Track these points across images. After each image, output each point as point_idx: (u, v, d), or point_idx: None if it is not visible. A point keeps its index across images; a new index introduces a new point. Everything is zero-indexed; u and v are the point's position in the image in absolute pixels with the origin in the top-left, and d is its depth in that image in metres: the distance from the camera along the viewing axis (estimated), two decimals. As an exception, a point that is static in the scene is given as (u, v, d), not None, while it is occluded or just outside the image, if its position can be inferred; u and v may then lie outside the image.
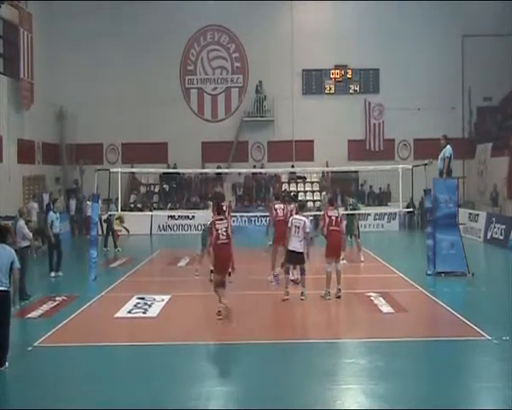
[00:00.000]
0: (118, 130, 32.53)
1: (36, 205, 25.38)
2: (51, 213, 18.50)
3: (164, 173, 31.87)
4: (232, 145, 33.00)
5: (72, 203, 30.50)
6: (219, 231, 12.69)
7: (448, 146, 17.74)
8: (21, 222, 15.85)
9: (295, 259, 14.44)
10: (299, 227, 14.20)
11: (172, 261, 20.87)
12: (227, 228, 12.83)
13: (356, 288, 16.13)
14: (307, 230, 14.29)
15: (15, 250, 10.59)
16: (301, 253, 14.30)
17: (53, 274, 18.02)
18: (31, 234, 15.98)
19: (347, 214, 19.80)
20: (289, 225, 14.37)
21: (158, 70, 32.61)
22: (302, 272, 14.61)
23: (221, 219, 12.97)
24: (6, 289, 9.75)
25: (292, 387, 9.16)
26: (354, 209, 21.16)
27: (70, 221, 29.56)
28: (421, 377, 9.66)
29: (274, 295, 15.04)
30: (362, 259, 20.07)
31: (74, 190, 31.93)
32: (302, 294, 14.41)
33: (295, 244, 14.21)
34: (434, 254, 17.43)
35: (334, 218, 14.86)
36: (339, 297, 14.66)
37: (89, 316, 13.56)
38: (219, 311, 12.71)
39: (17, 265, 9.97)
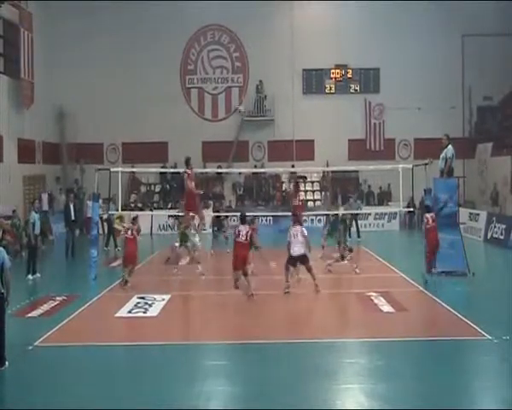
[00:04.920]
0: (118, 129, 32.50)
1: None
2: (33, 213, 18.21)
3: (162, 173, 31.81)
4: (232, 145, 32.99)
5: (70, 204, 30.05)
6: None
7: (450, 146, 17.71)
8: None
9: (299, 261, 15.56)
10: (296, 234, 15.29)
11: (173, 261, 20.82)
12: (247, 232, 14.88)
13: (356, 288, 16.14)
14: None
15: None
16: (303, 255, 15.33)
17: (30, 277, 17.54)
18: None
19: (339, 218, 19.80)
20: (288, 238, 15.44)
21: (158, 70, 32.58)
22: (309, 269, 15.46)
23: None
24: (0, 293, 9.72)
25: (292, 387, 9.16)
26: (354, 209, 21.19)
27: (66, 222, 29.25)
28: (422, 376, 9.65)
29: (274, 295, 15.04)
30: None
31: (73, 189, 31.87)
32: (316, 286, 15.29)
33: (296, 249, 15.26)
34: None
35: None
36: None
37: (89, 316, 13.57)
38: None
39: (8, 264, 9.86)
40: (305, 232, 15.37)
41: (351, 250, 18.69)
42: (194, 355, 10.69)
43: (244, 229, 14.94)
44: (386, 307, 13.74)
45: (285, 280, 15.34)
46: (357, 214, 26.40)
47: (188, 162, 17.56)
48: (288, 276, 15.52)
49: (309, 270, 15.40)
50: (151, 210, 30.82)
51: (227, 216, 23.46)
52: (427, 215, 16.65)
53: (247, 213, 16.50)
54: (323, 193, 32.28)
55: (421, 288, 15.74)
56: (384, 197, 31.99)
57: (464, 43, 32.80)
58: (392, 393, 8.85)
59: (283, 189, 33.00)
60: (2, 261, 9.78)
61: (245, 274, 14.88)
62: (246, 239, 14.81)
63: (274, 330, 12.40)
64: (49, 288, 16.52)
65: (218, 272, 18.89)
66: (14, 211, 22.81)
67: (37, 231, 18.13)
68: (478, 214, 26.76)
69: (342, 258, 18.20)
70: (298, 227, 15.55)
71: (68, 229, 22.17)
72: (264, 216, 28.96)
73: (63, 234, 22.87)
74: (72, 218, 22.18)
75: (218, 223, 22.30)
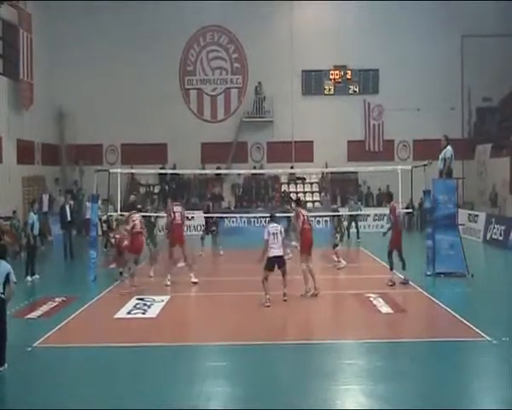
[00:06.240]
0: (117, 130, 32.49)
1: None
2: (31, 213, 18.10)
3: (161, 174, 31.77)
4: (231, 146, 32.98)
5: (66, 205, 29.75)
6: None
7: (449, 147, 17.73)
8: None
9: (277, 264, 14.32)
10: (276, 234, 14.12)
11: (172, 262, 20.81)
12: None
13: (355, 288, 16.11)
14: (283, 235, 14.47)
15: None
16: (281, 256, 14.29)
17: (29, 278, 17.46)
18: None
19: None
20: (266, 236, 14.11)
21: (157, 70, 32.57)
22: (284, 273, 14.52)
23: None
24: (2, 296, 9.92)
25: (292, 387, 9.17)
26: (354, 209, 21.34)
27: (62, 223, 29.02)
28: (421, 377, 9.66)
29: (272, 296, 15.00)
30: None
31: (73, 190, 31.80)
32: (285, 294, 14.41)
33: (275, 250, 14.11)
34: (434, 255, 17.44)
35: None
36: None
37: (88, 317, 13.56)
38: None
39: (13, 278, 10.10)
40: (283, 232, 14.47)
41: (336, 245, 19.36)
42: (193, 356, 10.68)
43: (178, 210, 16.85)
44: (385, 308, 13.73)
45: (264, 293, 13.98)
46: (356, 215, 26.44)
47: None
48: (267, 287, 14.06)
49: (283, 274, 14.45)
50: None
51: (220, 218, 23.47)
52: (396, 205, 16.90)
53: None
54: (322, 194, 32.25)
55: (419, 289, 15.74)
56: (383, 198, 31.93)
57: (464, 44, 32.81)
58: (391, 393, 8.85)
59: (282, 190, 32.99)
60: (8, 272, 10.03)
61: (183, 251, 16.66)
62: (181, 219, 16.83)
63: (273, 331, 12.38)
64: (48, 289, 16.52)
65: (216, 274, 18.89)
66: (14, 212, 22.79)
67: (36, 232, 18.07)
68: (477, 215, 26.75)
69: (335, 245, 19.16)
70: (276, 225, 14.41)
71: (64, 230, 22.13)
72: (263, 217, 28.94)
73: (61, 235, 22.85)
74: (68, 219, 22.13)
75: (210, 225, 22.22)
